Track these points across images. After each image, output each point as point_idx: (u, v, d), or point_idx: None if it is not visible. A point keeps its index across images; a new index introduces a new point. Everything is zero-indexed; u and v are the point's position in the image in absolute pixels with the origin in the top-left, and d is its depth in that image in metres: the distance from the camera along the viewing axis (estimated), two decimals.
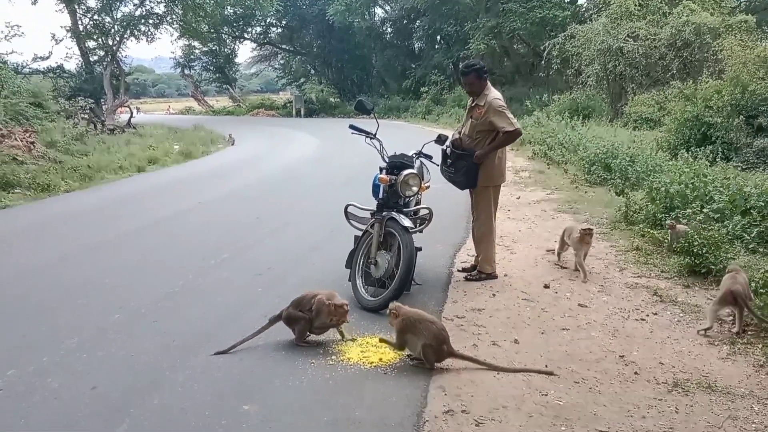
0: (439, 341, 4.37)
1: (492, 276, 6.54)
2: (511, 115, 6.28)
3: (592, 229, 6.59)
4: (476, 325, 5.13)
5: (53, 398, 4.13)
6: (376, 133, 6.27)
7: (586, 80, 24.68)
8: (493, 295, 6.02)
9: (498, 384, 4.17)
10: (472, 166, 6.32)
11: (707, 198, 7.87)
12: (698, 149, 11.95)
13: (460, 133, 6.57)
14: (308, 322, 4.88)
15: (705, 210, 7.40)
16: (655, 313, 5.40)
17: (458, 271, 6.86)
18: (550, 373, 4.30)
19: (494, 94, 6.37)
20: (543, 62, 30.73)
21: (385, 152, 6.32)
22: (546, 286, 6.20)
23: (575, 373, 4.29)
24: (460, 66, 6.54)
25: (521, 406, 3.87)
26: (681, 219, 7.37)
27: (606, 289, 6.08)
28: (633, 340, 4.84)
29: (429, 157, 6.58)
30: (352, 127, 6.40)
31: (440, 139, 6.74)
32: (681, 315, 5.35)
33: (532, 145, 18.18)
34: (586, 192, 11.38)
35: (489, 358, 4.58)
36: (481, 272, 6.57)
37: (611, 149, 12.50)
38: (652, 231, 7.64)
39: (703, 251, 6.29)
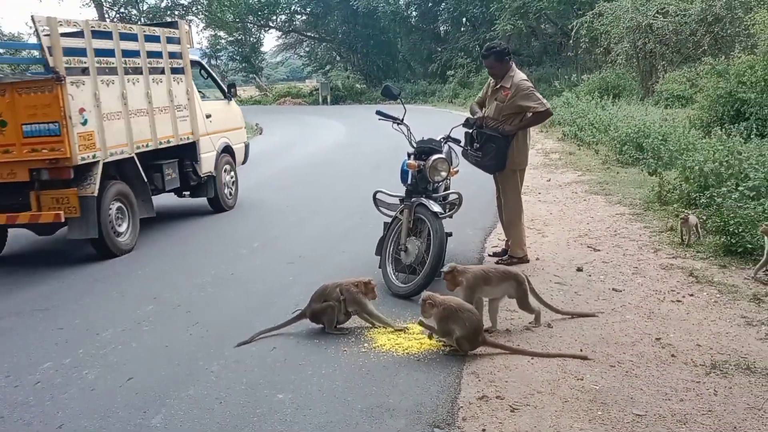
0: (476, 331, 4.34)
1: (524, 260, 6.47)
2: (540, 96, 6.22)
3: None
4: (509, 310, 5.08)
5: (90, 389, 4.18)
6: (403, 119, 6.22)
7: (615, 59, 24.28)
8: None
9: (532, 369, 4.13)
10: (502, 148, 6.23)
11: (742, 176, 7.69)
12: (732, 126, 11.71)
13: (482, 110, 6.53)
14: (335, 309, 4.89)
15: (740, 188, 7.24)
16: (691, 295, 5.31)
17: (489, 255, 6.82)
18: (585, 358, 4.25)
19: (520, 76, 6.29)
20: (571, 41, 30.34)
21: (412, 137, 6.27)
22: (579, 269, 6.12)
23: (610, 357, 4.23)
24: (482, 51, 6.49)
25: (556, 391, 3.83)
26: (715, 198, 7.23)
27: (640, 271, 5.99)
28: (669, 322, 4.76)
29: (457, 141, 6.50)
30: (378, 113, 6.35)
31: (468, 123, 6.67)
32: (718, 296, 5.25)
33: (562, 126, 18.00)
34: (617, 173, 11.22)
35: (522, 343, 4.54)
36: (512, 257, 6.51)
37: (643, 128, 12.31)
38: (687, 211, 7.51)
39: (740, 230, 6.16)
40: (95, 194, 7.08)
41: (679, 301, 5.19)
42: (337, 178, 13.02)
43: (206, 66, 10.90)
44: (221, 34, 51.69)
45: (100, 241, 7.36)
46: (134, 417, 3.78)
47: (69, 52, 7.02)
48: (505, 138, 6.23)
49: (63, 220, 6.99)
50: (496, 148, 6.23)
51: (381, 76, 48.43)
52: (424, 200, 5.82)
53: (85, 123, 7.10)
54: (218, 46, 54.41)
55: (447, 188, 6.51)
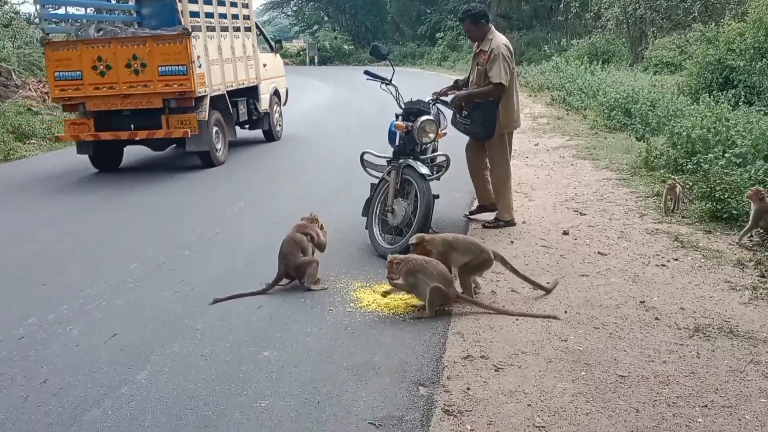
0: (447, 282, 4.36)
1: (510, 223, 6.48)
2: (505, 67, 6.00)
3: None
4: (494, 272, 5.08)
5: (74, 345, 4.17)
6: (391, 79, 6.13)
7: (605, 24, 24.23)
8: (512, 242, 5.97)
9: (517, 330, 4.15)
10: (489, 115, 6.14)
11: (729, 143, 7.71)
12: (720, 93, 11.73)
13: (468, 81, 6.48)
14: (318, 264, 4.98)
15: (727, 155, 7.26)
16: (676, 259, 5.34)
17: (465, 216, 6.87)
18: (554, 317, 4.29)
19: (500, 40, 6.16)
20: (561, 6, 30.14)
21: (401, 99, 6.19)
22: (565, 233, 6.13)
23: (595, 319, 4.26)
24: (459, 14, 6.36)
25: (540, 352, 3.85)
26: (702, 165, 7.25)
27: (626, 236, 6.00)
28: (653, 286, 4.79)
29: (446, 104, 6.44)
30: (367, 72, 6.29)
31: (457, 85, 6.60)
32: (702, 260, 5.28)
33: (551, 90, 17.95)
34: (605, 138, 11.22)
35: (508, 304, 4.56)
36: (499, 219, 6.51)
37: (631, 94, 12.29)
38: (673, 177, 7.52)
39: (726, 196, 6.19)
40: (206, 119, 9.79)
41: (663, 265, 5.21)
42: (325, 139, 12.95)
43: (260, 26, 13.46)
44: None
45: (207, 154, 10.13)
46: (119, 373, 3.77)
47: (191, 14, 9.85)
48: (492, 104, 6.13)
49: (189, 135, 9.58)
50: (483, 114, 6.14)
51: (369, 38, 47.96)
52: (411, 162, 5.76)
53: (200, 67, 9.79)
54: None
55: (435, 150, 6.46)
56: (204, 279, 5.28)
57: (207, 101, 9.87)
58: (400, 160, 5.84)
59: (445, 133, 6.41)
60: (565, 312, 4.39)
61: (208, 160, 10.13)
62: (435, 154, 6.25)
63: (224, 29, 10.97)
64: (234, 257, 5.80)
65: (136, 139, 9.97)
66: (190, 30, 9.40)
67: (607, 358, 3.73)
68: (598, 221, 6.48)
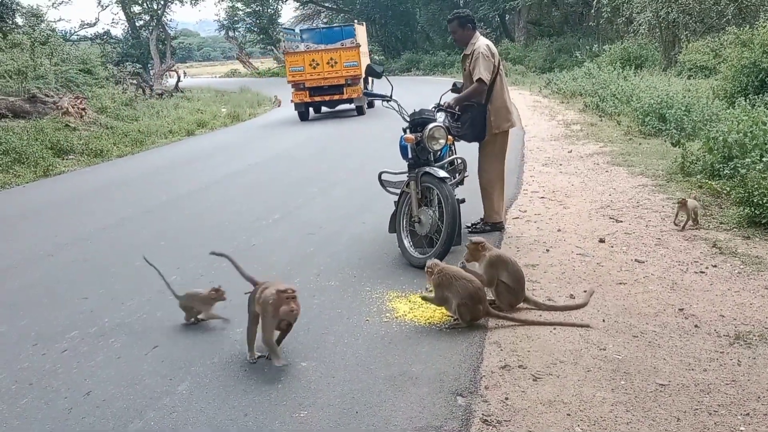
0: (474, 300, 4.33)
1: (498, 226, 6.48)
2: (485, 65, 6.07)
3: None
4: (530, 281, 5.06)
5: (116, 357, 4.25)
6: (391, 95, 6.14)
7: (637, 28, 23.97)
8: (547, 250, 5.95)
9: (554, 339, 4.14)
10: (477, 116, 6.20)
11: (767, 146, 7.59)
12: (756, 96, 11.52)
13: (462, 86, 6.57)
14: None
15: (765, 159, 7.14)
16: (715, 266, 5.27)
17: (465, 227, 6.59)
18: (587, 326, 4.26)
19: (482, 42, 6.27)
20: (593, 11, 29.95)
21: (404, 112, 6.20)
22: (601, 241, 6.09)
23: (633, 327, 4.22)
24: (448, 16, 6.54)
25: (578, 361, 3.83)
26: (739, 169, 7.14)
27: (663, 242, 5.94)
28: (692, 293, 4.73)
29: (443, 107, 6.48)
30: (366, 93, 6.51)
31: (455, 88, 6.63)
32: (741, 267, 5.21)
33: (584, 97, 17.81)
34: (640, 144, 11.11)
35: (545, 312, 4.54)
36: (486, 222, 6.51)
37: (666, 99, 12.14)
38: (709, 182, 7.43)
39: (764, 201, 6.09)
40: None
41: (702, 272, 5.15)
42: (356, 149, 13.02)
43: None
44: (239, 5, 51.47)
45: (362, 108, 19.94)
46: (161, 384, 3.84)
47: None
48: (481, 106, 6.19)
49: (355, 97, 19.15)
50: (471, 117, 6.20)
51: (399, 47, 48.20)
52: (428, 168, 5.74)
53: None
54: (236, 18, 54.22)
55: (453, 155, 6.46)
56: (242, 290, 5.33)
57: (362, 80, 19.09)
58: (416, 170, 5.85)
59: (455, 136, 6.40)
60: (603, 321, 4.35)
61: (362, 111, 19.97)
62: (451, 158, 6.26)
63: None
64: (271, 269, 5.85)
65: (327, 99, 19.66)
66: (359, 44, 19.77)
67: (646, 367, 3.70)
68: (635, 228, 6.42)
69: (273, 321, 3.89)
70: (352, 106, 20.27)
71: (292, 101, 19.75)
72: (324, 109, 21.57)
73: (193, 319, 4.75)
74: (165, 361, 4.15)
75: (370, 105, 21.27)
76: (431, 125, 5.84)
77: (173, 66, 36.22)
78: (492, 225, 6.50)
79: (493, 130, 6.33)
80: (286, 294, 3.80)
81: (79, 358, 4.27)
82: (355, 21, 26.09)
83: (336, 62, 19.02)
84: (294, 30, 24.92)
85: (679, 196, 7.30)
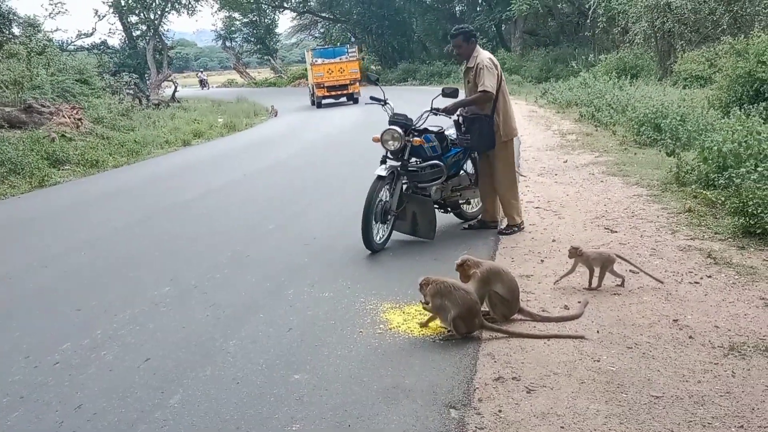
0: (471, 313, 4.32)
1: (521, 227, 6.85)
2: (488, 76, 6.46)
3: None
4: (525, 291, 5.06)
5: (108, 370, 4.23)
6: (385, 100, 7.00)
7: (633, 38, 24.04)
8: (542, 261, 5.94)
9: (548, 351, 4.12)
10: (485, 126, 6.57)
11: (762, 156, 7.58)
12: (751, 106, 11.54)
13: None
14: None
15: (759, 168, 7.14)
16: (709, 276, 5.26)
17: (463, 229, 7.21)
18: (581, 337, 4.25)
19: (485, 55, 6.65)
20: (588, 21, 30.07)
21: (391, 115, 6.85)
22: None
23: (627, 339, 4.21)
24: (452, 30, 6.99)
25: (572, 373, 3.81)
26: (734, 179, 7.13)
27: (658, 253, 5.94)
28: (687, 304, 4.72)
29: (442, 112, 6.75)
30: (372, 98, 7.13)
31: (445, 92, 6.73)
32: (736, 277, 5.19)
33: (579, 107, 17.85)
34: (635, 153, 11.11)
35: (539, 323, 4.53)
36: (512, 226, 6.87)
37: (661, 109, 12.15)
38: (704, 192, 7.43)
39: (759, 211, 6.09)
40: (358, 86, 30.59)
41: (696, 282, 5.14)
42: (351, 159, 12.98)
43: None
44: (236, 15, 51.57)
45: (358, 100, 29.31)
46: (152, 397, 3.82)
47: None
48: (487, 116, 6.57)
49: (354, 92, 29.72)
50: (479, 128, 6.59)
51: (396, 57, 48.29)
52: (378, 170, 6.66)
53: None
54: (233, 28, 54.31)
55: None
56: (235, 302, 5.32)
57: (358, 81, 29.19)
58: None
59: (422, 140, 6.72)
60: (597, 332, 4.34)
61: (357, 101, 28.23)
62: (427, 163, 6.76)
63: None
64: (266, 280, 5.84)
65: (337, 93, 29.36)
66: (359, 58, 30.95)
67: (640, 379, 3.68)
68: (630, 238, 6.41)
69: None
70: (351, 97, 29.95)
71: (311, 95, 30.74)
72: (323, 102, 29.84)
73: None
74: (157, 373, 4.13)
75: (355, 101, 29.67)
76: (386, 128, 6.61)
77: (170, 76, 36.28)
78: (517, 226, 6.87)
79: (502, 139, 6.68)
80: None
81: (70, 371, 4.25)
82: (348, 45, 33.59)
83: (343, 70, 29.43)
84: (316, 50, 33.89)
85: (674, 206, 7.31)
